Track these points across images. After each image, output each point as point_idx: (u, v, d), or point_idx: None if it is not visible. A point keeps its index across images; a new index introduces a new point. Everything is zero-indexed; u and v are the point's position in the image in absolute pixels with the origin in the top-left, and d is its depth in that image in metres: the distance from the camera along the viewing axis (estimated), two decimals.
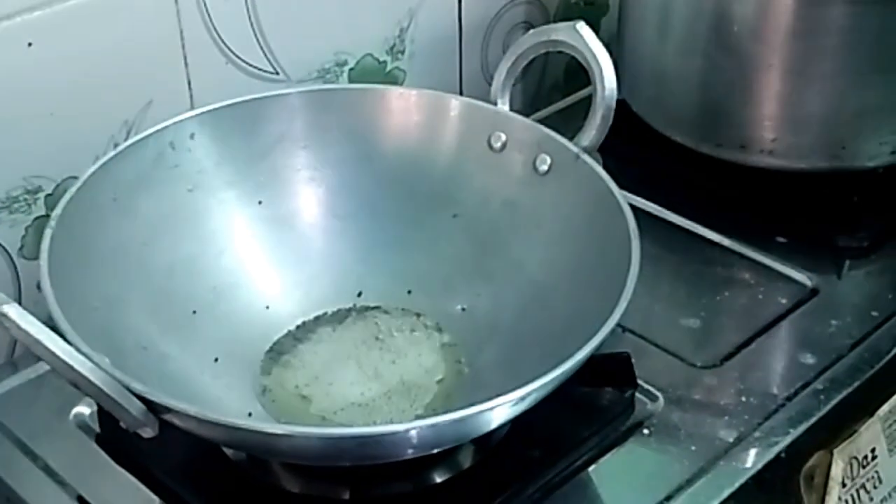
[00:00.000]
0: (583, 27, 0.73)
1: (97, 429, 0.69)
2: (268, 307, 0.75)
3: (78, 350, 0.56)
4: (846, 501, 0.72)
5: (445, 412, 0.57)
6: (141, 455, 0.67)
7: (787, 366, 0.74)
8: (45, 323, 0.56)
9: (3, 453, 0.69)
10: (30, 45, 0.73)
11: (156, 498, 0.65)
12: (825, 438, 0.71)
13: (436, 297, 0.75)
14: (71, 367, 0.55)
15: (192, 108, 0.80)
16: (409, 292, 0.76)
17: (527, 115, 0.80)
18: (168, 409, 0.56)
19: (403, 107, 0.77)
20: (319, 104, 0.77)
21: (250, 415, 0.67)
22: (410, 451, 0.59)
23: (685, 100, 0.89)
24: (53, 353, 0.54)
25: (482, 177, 0.76)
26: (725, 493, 0.65)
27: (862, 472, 0.73)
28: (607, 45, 0.73)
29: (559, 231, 0.72)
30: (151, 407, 0.56)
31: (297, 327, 0.74)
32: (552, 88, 1.09)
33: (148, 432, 0.57)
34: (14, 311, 0.54)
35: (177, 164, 0.73)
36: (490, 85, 0.78)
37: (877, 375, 0.73)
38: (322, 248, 0.77)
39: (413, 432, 0.57)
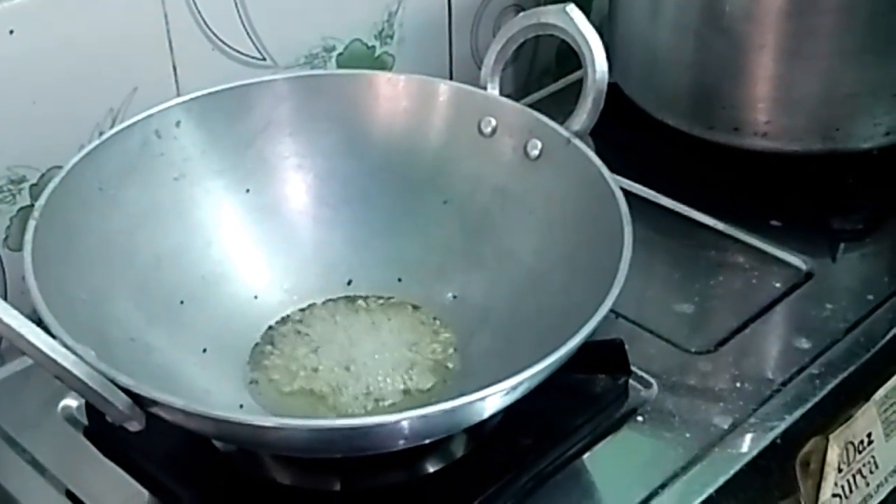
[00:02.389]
0: (573, 9, 0.72)
1: (85, 421, 0.69)
2: (256, 297, 0.74)
3: (62, 343, 0.55)
4: (842, 487, 0.72)
5: (437, 402, 0.56)
6: (129, 448, 0.66)
7: (782, 350, 0.74)
8: (30, 315, 0.55)
9: None
10: (11, 32, 0.72)
11: (145, 491, 0.65)
12: (821, 424, 0.70)
13: (427, 285, 0.74)
14: (55, 362, 0.54)
15: (178, 94, 0.79)
16: (400, 280, 0.75)
17: (518, 99, 0.79)
18: (155, 403, 0.55)
19: (392, 92, 0.77)
20: (307, 90, 0.76)
21: (241, 407, 0.67)
22: (402, 441, 0.59)
23: (677, 82, 0.89)
24: (36, 347, 0.54)
25: (472, 162, 0.75)
26: (721, 480, 0.65)
27: (858, 457, 0.73)
28: (598, 28, 0.73)
29: (551, 216, 0.72)
30: (138, 400, 0.55)
31: (287, 317, 0.73)
32: (543, 72, 1.08)
33: (135, 426, 0.56)
34: None
35: (162, 153, 0.72)
36: (480, 69, 0.78)
37: (872, 359, 0.73)
38: (311, 237, 0.76)
39: (404, 423, 0.56)
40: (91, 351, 0.56)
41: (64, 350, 0.54)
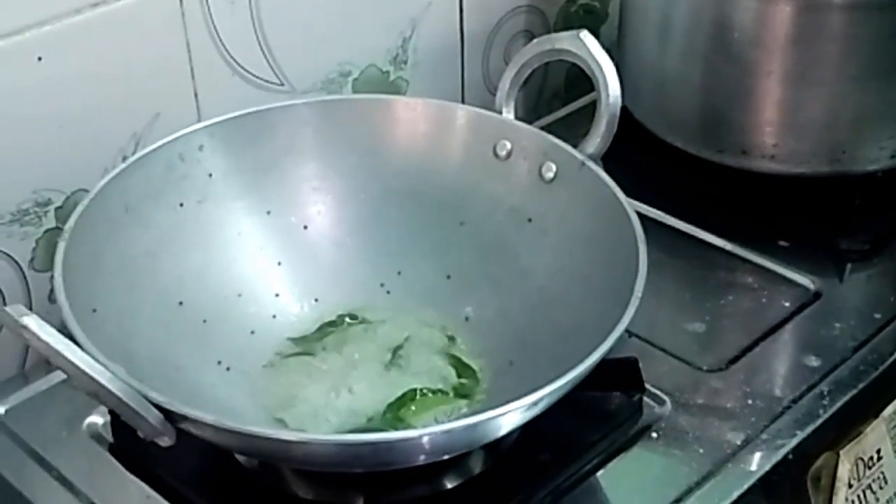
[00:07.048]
0: (586, 35, 0.74)
1: (110, 438, 0.70)
2: (275, 316, 0.75)
3: (95, 360, 0.56)
4: (853, 502, 0.73)
5: (457, 419, 0.57)
6: (154, 464, 0.67)
7: (791, 368, 0.75)
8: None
9: (17, 463, 0.69)
10: (39, 59, 0.73)
11: None
12: (831, 440, 0.71)
13: (444, 305, 0.75)
14: (90, 378, 0.55)
15: (199, 119, 0.80)
16: (417, 300, 0.76)
17: (528, 123, 0.80)
18: (186, 418, 0.56)
19: (410, 117, 0.78)
20: (327, 115, 0.77)
21: (263, 423, 0.68)
22: (423, 457, 0.60)
23: (686, 106, 0.90)
24: (73, 364, 0.55)
25: (488, 185, 0.76)
26: (733, 496, 0.65)
27: (868, 472, 0.73)
28: (608, 53, 0.74)
29: (565, 238, 0.73)
30: (169, 416, 0.57)
31: (305, 336, 0.74)
32: (553, 96, 1.09)
33: (166, 441, 0.57)
34: (34, 323, 0.55)
35: (186, 176, 0.73)
36: (492, 93, 0.79)
37: (881, 377, 0.74)
38: (330, 258, 0.77)
39: (426, 439, 0.57)
40: (121, 368, 0.57)
41: (100, 367, 0.56)
